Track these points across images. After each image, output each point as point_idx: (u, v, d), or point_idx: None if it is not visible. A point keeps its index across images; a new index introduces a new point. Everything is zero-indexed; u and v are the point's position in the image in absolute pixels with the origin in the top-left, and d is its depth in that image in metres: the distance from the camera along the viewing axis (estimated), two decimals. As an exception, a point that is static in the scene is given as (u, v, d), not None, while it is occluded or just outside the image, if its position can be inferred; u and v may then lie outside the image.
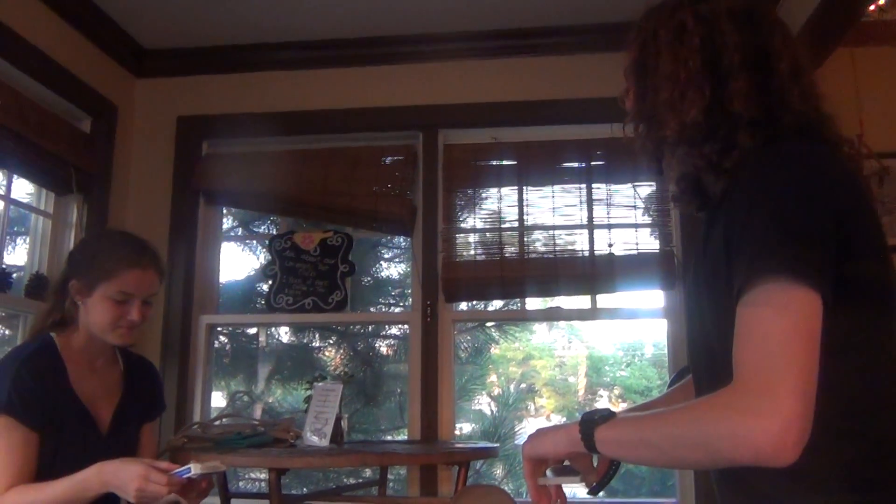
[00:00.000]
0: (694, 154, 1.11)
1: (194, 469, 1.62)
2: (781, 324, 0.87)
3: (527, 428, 4.22)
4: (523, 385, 4.56)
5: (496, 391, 4.22)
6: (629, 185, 3.03)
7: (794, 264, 0.89)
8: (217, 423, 2.57)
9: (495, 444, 2.89)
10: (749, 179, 1.00)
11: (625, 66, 1.25)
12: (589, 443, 1.05)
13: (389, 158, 3.14)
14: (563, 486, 1.20)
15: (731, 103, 1.05)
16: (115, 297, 1.80)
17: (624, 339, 5.47)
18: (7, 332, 2.77)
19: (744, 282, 0.91)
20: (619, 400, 5.39)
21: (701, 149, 1.09)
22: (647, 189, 3.04)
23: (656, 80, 1.13)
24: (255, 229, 3.62)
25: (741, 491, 1.07)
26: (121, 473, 1.62)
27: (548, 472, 1.19)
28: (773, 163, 0.98)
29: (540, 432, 1.16)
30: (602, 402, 5.33)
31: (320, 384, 2.48)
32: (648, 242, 3.00)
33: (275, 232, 3.31)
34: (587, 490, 1.18)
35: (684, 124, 1.09)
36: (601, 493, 3.65)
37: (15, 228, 2.86)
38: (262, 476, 3.47)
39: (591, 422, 1.05)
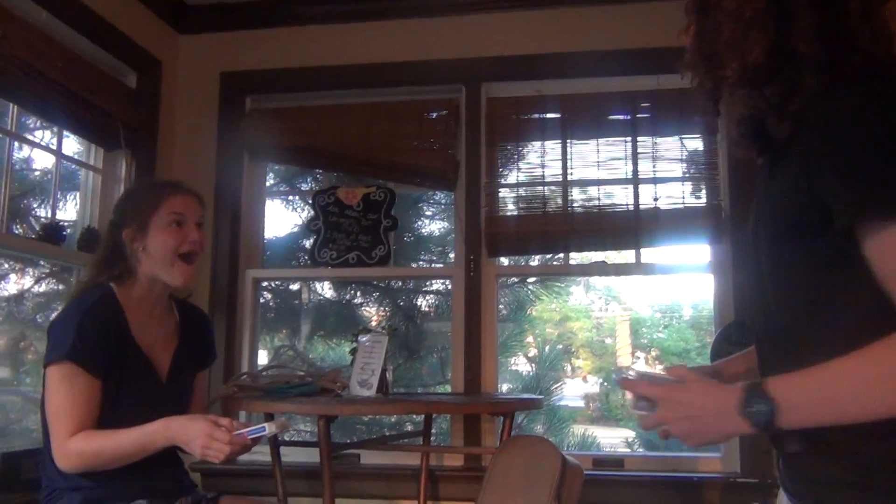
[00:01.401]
0: (755, 96, 1.08)
1: (269, 429, 1.67)
2: None
3: (565, 387, 4.23)
4: (560, 346, 4.57)
5: (532, 352, 4.23)
6: (675, 137, 2.98)
7: None
8: (265, 373, 2.63)
9: (539, 396, 2.91)
10: (830, 120, 0.96)
11: (686, 0, 1.22)
12: (766, 423, 0.95)
13: (433, 113, 3.11)
14: None
15: (797, 44, 1.01)
16: (170, 222, 1.86)
17: (662, 301, 5.44)
18: (60, 285, 2.83)
19: (860, 220, 0.90)
20: (657, 362, 5.37)
21: (762, 90, 1.06)
22: (694, 141, 2.99)
23: (719, 18, 1.10)
24: (298, 185, 3.64)
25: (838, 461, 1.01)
26: (188, 430, 1.67)
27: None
28: (855, 102, 0.95)
29: (688, 418, 1.02)
30: (639, 364, 5.33)
31: (366, 336, 2.51)
32: (695, 196, 2.96)
33: (317, 188, 3.33)
34: None
35: (746, 65, 1.05)
36: (642, 448, 3.61)
37: (66, 184, 2.91)
38: (307, 428, 3.54)
39: (758, 399, 0.95)
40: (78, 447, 1.68)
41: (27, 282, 2.76)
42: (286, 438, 3.29)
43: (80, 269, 2.77)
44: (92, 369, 1.72)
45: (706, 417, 1.01)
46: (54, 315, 1.88)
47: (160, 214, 1.86)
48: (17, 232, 2.65)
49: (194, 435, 1.65)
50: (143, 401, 1.81)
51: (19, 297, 2.70)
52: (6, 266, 2.68)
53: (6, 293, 2.66)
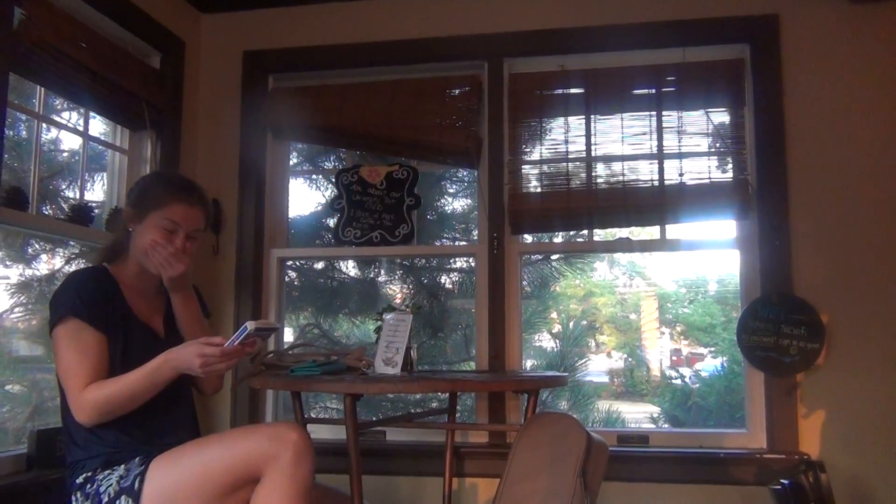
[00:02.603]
0: None
1: (250, 326, 1.76)
2: None
3: (589, 364, 4.22)
4: (584, 322, 4.55)
5: (556, 328, 4.22)
6: (701, 111, 2.94)
7: None
8: (291, 352, 2.65)
9: (564, 374, 2.91)
10: None
11: None
12: None
13: (455, 90, 3.09)
14: None
15: None
16: (163, 226, 1.94)
17: (687, 275, 5.39)
18: (90, 265, 2.87)
19: None
20: (682, 337, 5.34)
21: None
22: (720, 115, 2.94)
23: None
24: (322, 164, 3.64)
25: None
26: (183, 356, 1.76)
27: None
28: None
29: None
30: (664, 340, 5.30)
31: (390, 315, 2.52)
32: (721, 170, 2.92)
33: (340, 167, 3.33)
34: None
35: None
36: (667, 424, 3.61)
37: (93, 165, 2.94)
38: (333, 405, 3.57)
39: None
40: (91, 396, 1.76)
41: (57, 262, 2.80)
42: (312, 416, 3.32)
43: (108, 249, 2.81)
44: (95, 323, 1.82)
45: None
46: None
47: (158, 215, 1.95)
48: (47, 213, 2.68)
49: (189, 358, 1.75)
50: (146, 354, 1.86)
51: (50, 277, 2.74)
52: (37, 247, 2.72)
53: (38, 273, 2.70)
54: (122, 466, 1.79)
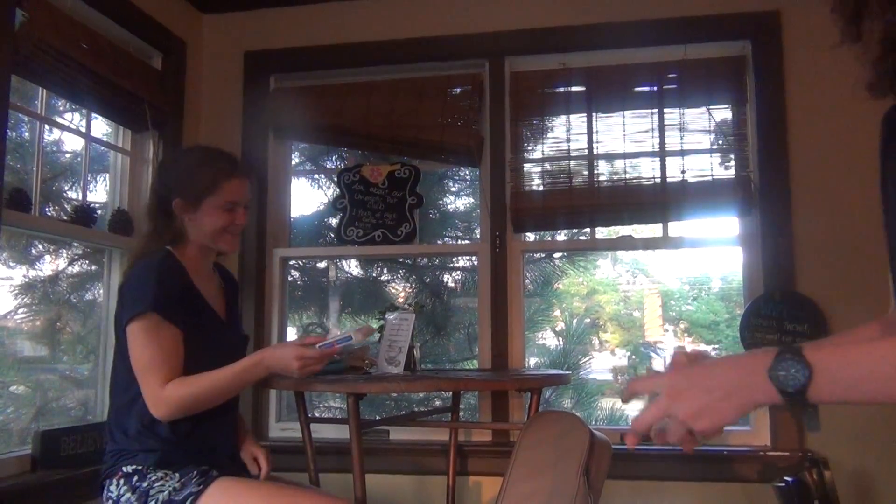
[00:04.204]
0: None
1: (355, 338, 1.88)
2: None
3: (593, 361, 4.22)
4: (587, 320, 4.55)
5: (559, 326, 4.22)
6: (703, 108, 2.93)
7: None
8: (294, 351, 2.65)
9: (567, 372, 2.91)
10: None
11: None
12: (797, 390, 0.85)
13: (457, 89, 3.09)
14: None
15: None
16: (223, 207, 1.94)
17: (690, 272, 5.38)
18: (93, 266, 2.88)
19: None
20: (685, 334, 5.33)
21: None
22: (722, 112, 2.94)
23: None
24: (324, 164, 3.65)
25: None
26: (281, 358, 1.82)
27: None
28: None
29: (700, 390, 0.89)
30: (668, 337, 5.29)
31: (393, 314, 2.52)
32: (723, 167, 2.92)
33: (342, 166, 3.34)
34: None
35: None
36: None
37: (96, 166, 2.94)
38: (336, 404, 3.58)
39: (794, 362, 0.85)
40: (177, 394, 1.77)
41: (61, 263, 2.81)
42: (316, 415, 3.33)
43: (111, 251, 2.82)
44: (174, 319, 1.82)
45: (724, 388, 0.88)
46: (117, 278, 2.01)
47: (215, 198, 1.94)
48: (49, 214, 2.69)
49: (288, 359, 1.81)
50: (214, 343, 1.93)
51: (54, 278, 2.75)
52: (41, 248, 2.73)
53: (42, 274, 2.71)
54: (178, 476, 1.79)
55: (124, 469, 1.80)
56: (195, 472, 1.79)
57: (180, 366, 1.82)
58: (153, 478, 1.78)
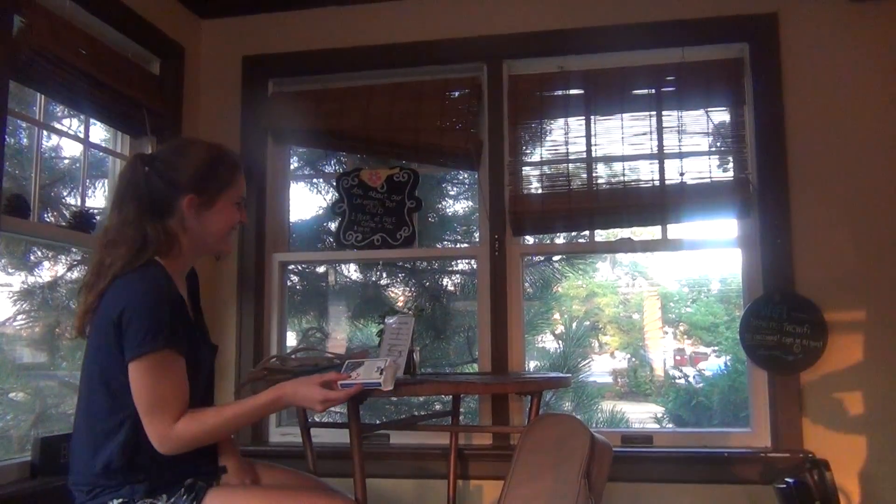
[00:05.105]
0: None
1: (385, 386, 1.85)
2: None
3: (593, 364, 4.22)
4: (587, 322, 4.55)
5: (559, 329, 4.22)
6: (701, 110, 2.94)
7: None
8: (294, 356, 2.65)
9: (567, 374, 2.91)
10: None
11: None
12: None
13: (455, 92, 3.10)
14: None
15: None
16: (236, 203, 1.86)
17: (689, 274, 5.38)
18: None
19: None
20: (685, 337, 5.33)
21: None
22: (720, 114, 2.94)
23: None
24: (322, 168, 3.65)
25: None
26: (306, 398, 1.78)
27: None
28: None
29: None
30: (667, 340, 5.29)
31: (393, 318, 2.52)
32: (722, 169, 2.92)
33: (341, 171, 3.33)
34: None
35: None
36: (671, 424, 3.61)
37: (94, 172, 2.94)
38: (336, 409, 3.57)
39: None
40: (189, 432, 1.67)
41: (60, 269, 2.81)
42: (316, 419, 3.33)
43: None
44: (181, 350, 1.71)
45: None
46: (90, 286, 1.75)
47: (231, 193, 1.85)
48: (48, 220, 2.69)
49: (312, 402, 1.78)
50: (200, 364, 1.83)
51: (53, 284, 2.75)
52: (39, 254, 2.73)
53: (40, 281, 2.70)
54: (165, 497, 1.71)
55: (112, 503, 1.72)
56: (182, 491, 1.73)
57: (187, 397, 1.71)
58: None
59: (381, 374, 1.86)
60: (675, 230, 2.99)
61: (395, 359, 2.03)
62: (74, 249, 2.77)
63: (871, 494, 2.64)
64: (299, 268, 3.60)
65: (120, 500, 1.69)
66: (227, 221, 1.85)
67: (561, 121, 3.05)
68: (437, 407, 3.38)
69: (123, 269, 1.72)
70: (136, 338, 1.64)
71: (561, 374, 2.93)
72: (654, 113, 2.96)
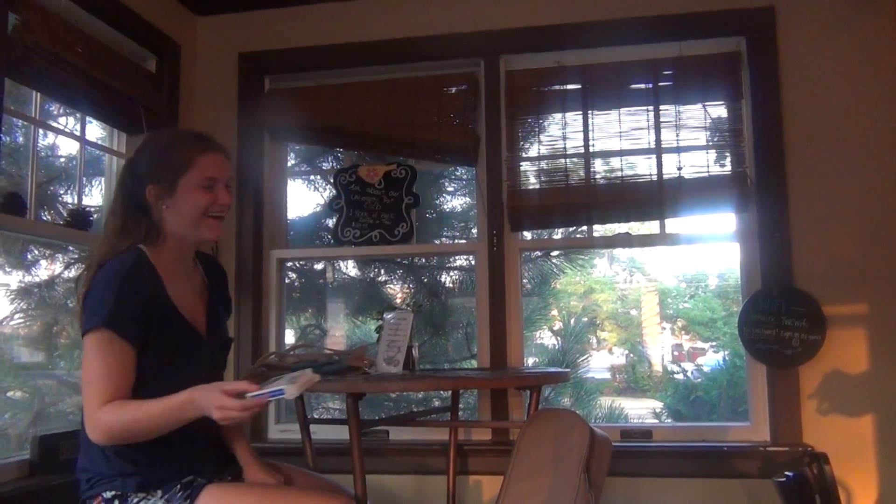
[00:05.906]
0: None
1: (288, 393, 1.60)
2: None
3: (591, 360, 4.23)
4: (585, 318, 4.55)
5: (557, 325, 4.22)
6: (699, 105, 2.93)
7: None
8: (293, 352, 2.65)
9: (566, 369, 2.91)
10: None
11: None
12: None
13: (452, 88, 3.09)
14: None
15: None
16: (201, 185, 1.77)
17: (687, 270, 5.40)
18: (89, 270, 2.87)
19: None
20: (683, 332, 5.34)
21: None
22: (717, 108, 2.94)
23: None
24: (320, 165, 3.64)
25: None
26: (203, 401, 1.62)
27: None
28: None
29: None
30: (665, 335, 5.31)
31: (391, 314, 2.52)
32: (720, 164, 2.92)
33: (338, 167, 3.33)
34: None
35: None
36: (670, 419, 3.61)
37: (91, 170, 2.93)
38: (336, 405, 3.57)
39: None
40: (108, 419, 1.62)
41: (57, 267, 2.80)
42: (315, 416, 3.33)
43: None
44: (128, 336, 1.66)
45: None
46: (81, 279, 1.78)
47: (191, 176, 1.76)
48: (45, 219, 2.68)
49: (209, 405, 1.60)
50: (189, 359, 1.78)
51: (50, 282, 2.74)
52: (36, 252, 2.72)
53: (38, 279, 2.70)
54: (160, 493, 1.70)
55: (104, 495, 1.71)
56: (178, 487, 1.71)
57: (126, 387, 1.66)
58: (135, 501, 1.69)
59: (291, 382, 1.65)
60: (673, 225, 2.99)
61: (312, 374, 1.83)
62: (71, 248, 2.76)
63: (871, 487, 2.64)
64: (297, 265, 3.60)
65: (113, 493, 1.69)
66: (195, 205, 1.77)
67: (558, 116, 3.05)
68: (437, 403, 3.38)
69: (105, 257, 1.74)
70: (85, 316, 1.67)
71: (560, 370, 2.94)
72: (651, 107, 2.96)
